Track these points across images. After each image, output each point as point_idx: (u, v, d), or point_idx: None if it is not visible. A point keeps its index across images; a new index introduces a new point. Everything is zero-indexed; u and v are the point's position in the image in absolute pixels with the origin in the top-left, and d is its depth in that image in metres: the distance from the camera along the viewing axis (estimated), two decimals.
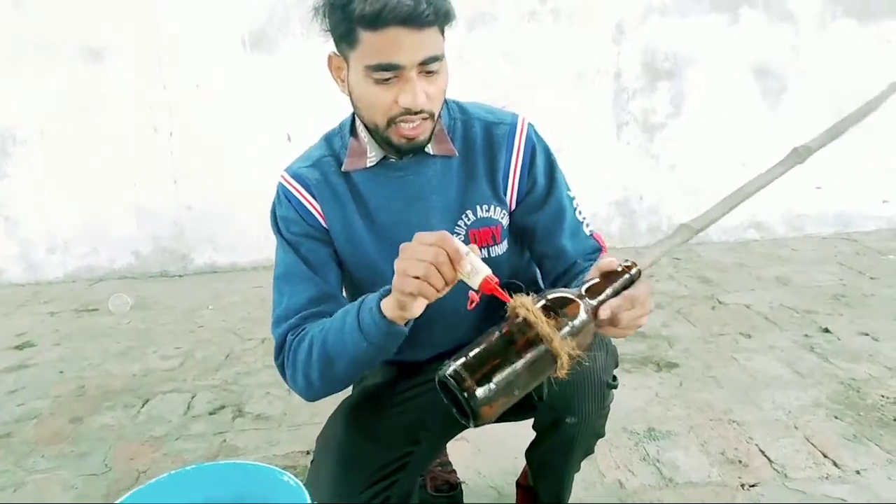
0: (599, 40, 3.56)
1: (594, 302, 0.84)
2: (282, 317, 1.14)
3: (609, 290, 0.86)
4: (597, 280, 0.87)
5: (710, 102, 3.64)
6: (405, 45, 0.96)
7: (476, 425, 0.81)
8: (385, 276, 1.11)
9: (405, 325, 0.97)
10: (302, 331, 1.10)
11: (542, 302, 0.83)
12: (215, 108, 3.51)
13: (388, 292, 0.95)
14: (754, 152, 3.67)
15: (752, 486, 1.60)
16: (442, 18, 0.98)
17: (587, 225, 1.20)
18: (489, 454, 1.77)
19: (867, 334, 2.40)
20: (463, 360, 0.80)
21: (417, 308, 0.92)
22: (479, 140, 1.15)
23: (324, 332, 1.05)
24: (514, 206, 1.17)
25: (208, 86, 3.50)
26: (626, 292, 0.85)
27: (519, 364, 0.80)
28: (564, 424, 1.09)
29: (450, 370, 0.80)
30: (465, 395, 0.78)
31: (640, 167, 3.71)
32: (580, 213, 1.20)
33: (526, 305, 0.81)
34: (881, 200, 3.81)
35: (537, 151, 1.16)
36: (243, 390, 2.25)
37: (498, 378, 0.79)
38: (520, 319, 0.81)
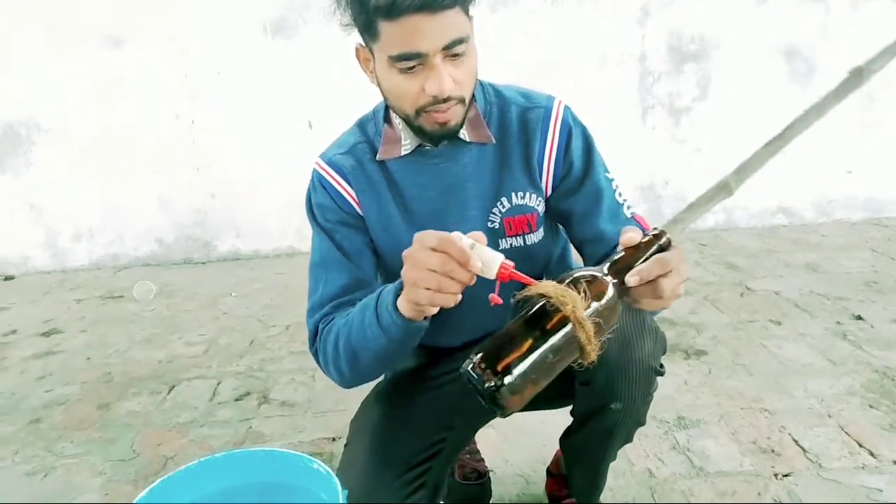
0: (624, 22, 3.50)
1: (619, 278, 0.80)
2: (316, 305, 1.13)
3: (638, 263, 0.81)
4: (621, 254, 0.83)
5: (738, 85, 3.57)
6: (425, 31, 0.93)
7: (504, 416, 0.78)
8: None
9: (423, 319, 0.95)
10: (332, 320, 1.09)
11: (566, 282, 0.79)
12: (237, 95, 3.51)
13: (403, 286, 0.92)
14: None
15: (786, 475, 1.56)
16: None
17: (628, 207, 1.15)
18: (517, 442, 1.75)
19: None
20: (483, 353, 0.77)
21: (433, 310, 0.90)
22: (515, 125, 1.13)
23: (348, 325, 1.04)
24: (549, 192, 1.15)
25: (230, 73, 3.49)
26: (656, 256, 0.81)
27: (543, 351, 0.76)
28: (609, 410, 1.06)
29: (470, 365, 0.77)
30: (488, 388, 0.75)
31: (666, 152, 3.65)
32: (620, 194, 1.15)
33: (548, 288, 0.78)
34: None
35: (574, 135, 1.13)
36: (268, 377, 2.26)
37: (521, 368, 0.75)
38: (542, 303, 0.78)
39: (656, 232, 0.84)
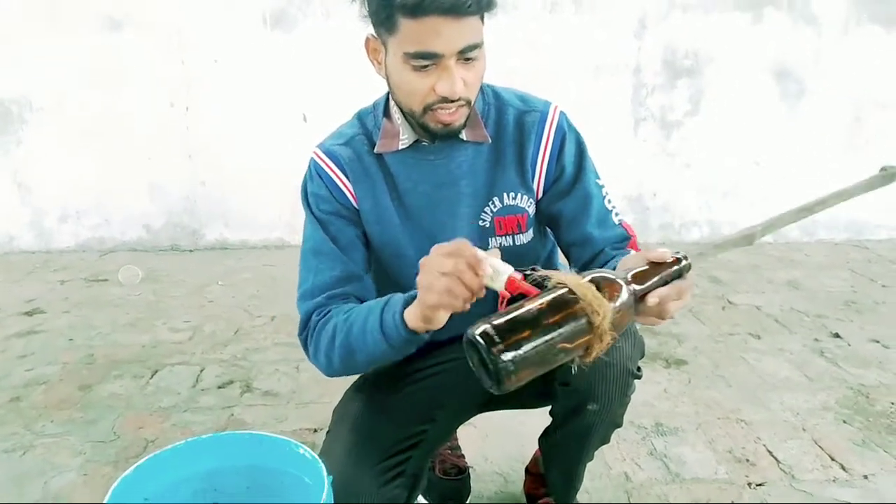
0: (621, 34, 3.54)
1: (639, 288, 0.83)
2: (308, 293, 1.14)
3: (656, 279, 0.84)
4: (645, 268, 0.86)
5: (729, 102, 3.62)
6: (445, 34, 0.95)
7: (499, 391, 0.78)
8: (411, 259, 1.16)
9: (426, 332, 0.97)
10: (327, 312, 1.11)
11: (589, 277, 0.82)
12: (233, 84, 3.51)
13: (414, 297, 0.94)
14: (770, 154, 3.67)
15: (759, 485, 1.60)
16: (484, 6, 0.98)
17: (616, 214, 1.18)
18: (497, 441, 1.77)
19: (878, 341, 2.39)
20: (495, 321, 0.77)
21: (442, 319, 0.91)
22: (511, 127, 1.15)
23: (348, 324, 1.05)
24: (541, 194, 1.17)
25: (227, 62, 3.49)
26: (675, 282, 0.85)
27: (553, 335, 0.76)
28: (585, 411, 1.09)
29: (479, 330, 0.76)
30: (493, 357, 0.74)
31: (656, 164, 3.69)
32: (609, 201, 1.18)
33: (581, 288, 0.79)
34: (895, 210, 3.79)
35: (567, 140, 1.16)
36: (252, 366, 2.26)
37: (529, 346, 0.75)
38: (563, 291, 0.79)
39: (680, 256, 0.87)
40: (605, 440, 1.23)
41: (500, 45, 3.51)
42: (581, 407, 1.09)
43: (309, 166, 1.20)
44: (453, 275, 0.84)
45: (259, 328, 2.60)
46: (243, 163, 3.60)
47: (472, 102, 1.06)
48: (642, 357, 1.13)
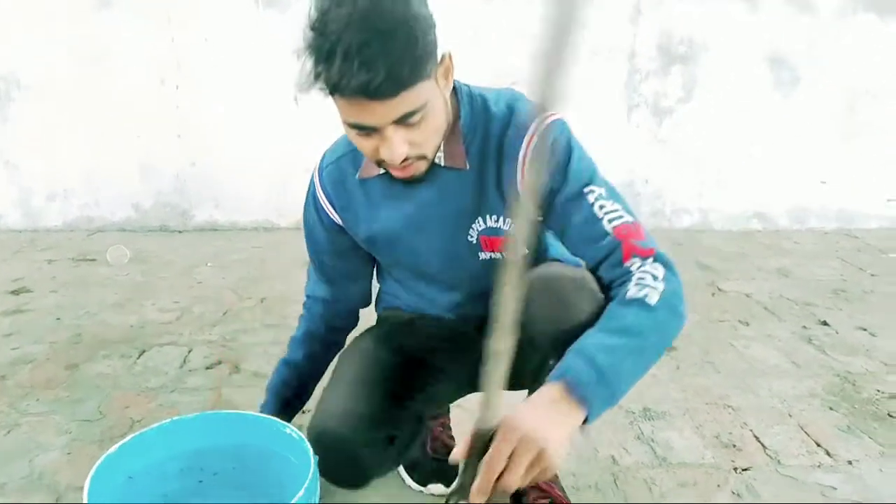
0: (616, 18, 3.52)
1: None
2: (307, 290, 1.40)
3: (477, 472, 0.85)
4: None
5: (722, 90, 3.62)
6: (373, 110, 0.92)
7: None
8: (403, 270, 1.28)
9: None
10: (302, 323, 1.40)
11: None
12: (224, 63, 3.47)
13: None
14: (763, 143, 3.67)
15: (745, 469, 1.60)
16: (406, 82, 0.89)
17: (611, 220, 1.04)
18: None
19: (865, 329, 2.41)
20: None
21: None
22: (493, 146, 1.10)
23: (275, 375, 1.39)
24: (536, 215, 1.15)
25: (218, 41, 3.45)
26: (481, 464, 0.84)
27: None
28: (547, 367, 1.07)
29: None
30: None
31: (648, 151, 3.69)
32: (602, 206, 1.06)
33: None
34: (885, 199, 3.81)
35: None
36: (241, 347, 2.25)
37: None
38: None
39: (474, 432, 0.86)
40: None
41: (496, 31, 3.49)
42: (544, 363, 1.07)
43: (309, 184, 1.28)
44: None
45: (248, 310, 2.58)
46: (234, 143, 3.57)
47: (431, 154, 1.04)
48: (601, 312, 1.02)
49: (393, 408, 1.16)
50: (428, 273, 1.24)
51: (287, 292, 2.72)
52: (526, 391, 1.28)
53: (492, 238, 1.16)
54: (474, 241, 1.16)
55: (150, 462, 1.00)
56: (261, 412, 1.30)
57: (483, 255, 1.17)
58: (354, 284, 1.36)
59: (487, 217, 1.14)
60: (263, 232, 3.67)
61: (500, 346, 0.85)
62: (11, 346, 2.27)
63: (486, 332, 1.27)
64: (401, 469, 1.54)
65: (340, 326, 1.41)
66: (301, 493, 0.86)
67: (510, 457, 0.82)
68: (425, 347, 1.30)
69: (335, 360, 1.35)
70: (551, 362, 1.08)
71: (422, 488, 1.50)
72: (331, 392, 1.19)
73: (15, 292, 2.78)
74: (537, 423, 0.84)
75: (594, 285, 1.03)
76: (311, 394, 1.41)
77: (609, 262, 1.03)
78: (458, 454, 0.89)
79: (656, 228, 3.67)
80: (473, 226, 1.15)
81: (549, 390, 0.89)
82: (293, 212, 3.58)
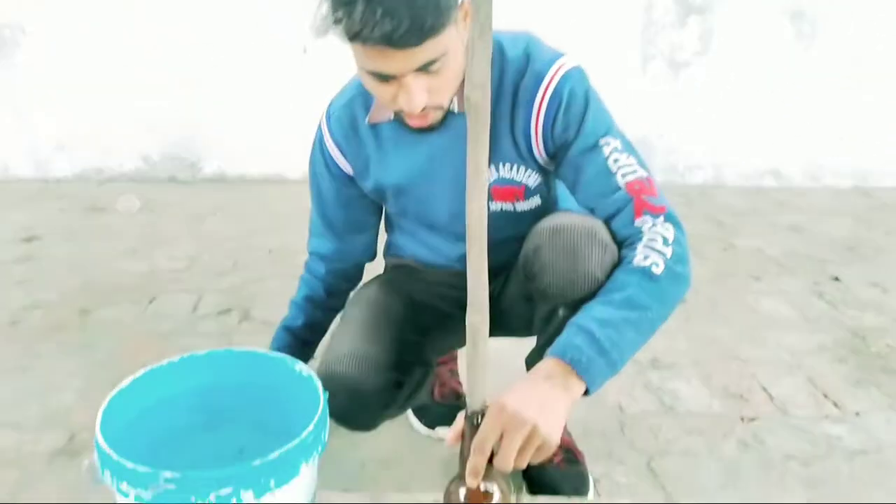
0: None
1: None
2: (310, 247, 1.37)
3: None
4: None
5: (740, 42, 3.53)
6: (394, 58, 0.90)
7: None
8: (410, 220, 1.26)
9: None
10: (304, 278, 1.38)
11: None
12: (232, 11, 3.41)
13: None
14: (780, 97, 3.59)
15: (752, 419, 1.61)
16: (430, 31, 0.87)
17: (624, 175, 1.03)
18: (492, 370, 1.77)
19: (877, 285, 2.39)
20: None
21: None
22: (508, 93, 1.07)
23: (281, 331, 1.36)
24: (547, 161, 1.12)
25: None
26: (473, 443, 0.85)
27: None
28: (557, 318, 1.06)
29: None
30: None
31: (663, 104, 3.62)
32: (616, 160, 1.04)
33: None
34: None
35: (563, 105, 1.04)
36: (250, 295, 2.26)
37: None
38: None
39: (466, 414, 0.87)
40: None
41: None
42: (554, 313, 1.07)
43: (317, 130, 1.23)
44: None
45: (258, 260, 2.59)
46: (243, 95, 3.53)
47: (448, 104, 1.03)
48: (614, 266, 1.02)
49: (400, 352, 1.16)
50: (437, 223, 1.23)
51: (296, 243, 2.68)
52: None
53: (504, 188, 1.14)
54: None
55: (161, 397, 1.01)
56: None
57: (493, 206, 1.16)
58: (360, 236, 1.33)
59: (501, 166, 1.12)
60: (272, 184, 3.65)
61: (476, 319, 0.84)
62: (24, 292, 2.29)
63: (494, 283, 1.28)
64: (409, 413, 1.55)
65: (342, 289, 1.37)
66: (310, 427, 0.87)
67: (502, 437, 0.83)
68: (433, 294, 1.29)
69: (344, 311, 1.34)
70: (561, 312, 1.08)
71: (430, 432, 1.52)
72: (339, 337, 1.19)
73: (27, 240, 2.79)
74: (527, 401, 0.84)
75: (606, 235, 1.02)
76: (312, 356, 1.38)
77: (620, 219, 1.02)
78: (450, 439, 0.90)
79: (669, 184, 3.62)
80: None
81: (546, 366, 0.89)
82: (302, 164, 3.54)
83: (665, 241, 0.97)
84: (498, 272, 1.24)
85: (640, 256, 0.95)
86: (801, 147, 3.69)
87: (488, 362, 0.87)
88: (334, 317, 1.37)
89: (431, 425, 1.52)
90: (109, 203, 3.26)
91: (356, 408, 1.11)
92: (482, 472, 0.84)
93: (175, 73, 3.49)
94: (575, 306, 1.04)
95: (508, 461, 0.83)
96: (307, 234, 1.38)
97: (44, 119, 3.59)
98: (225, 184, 3.66)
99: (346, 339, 1.16)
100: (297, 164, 3.64)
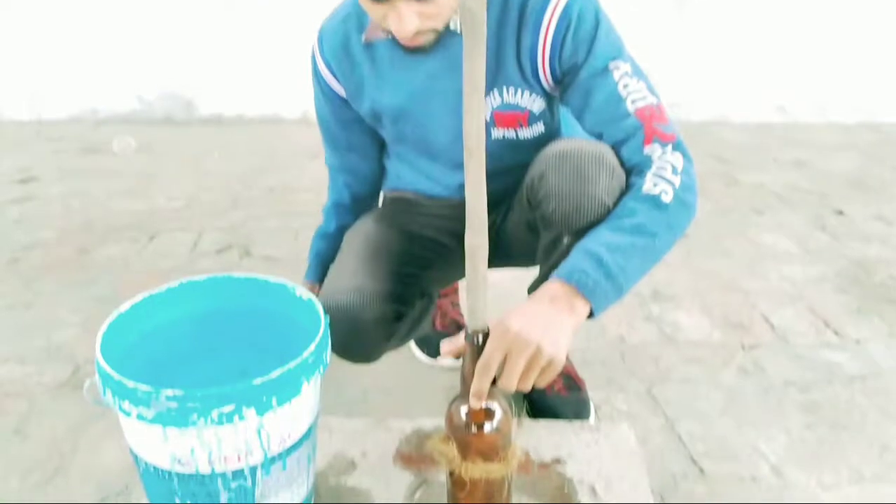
0: None
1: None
2: (327, 163, 1.35)
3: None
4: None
5: None
6: None
7: None
8: (406, 144, 1.23)
9: None
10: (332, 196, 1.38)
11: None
12: None
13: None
14: (788, 31, 3.50)
15: (752, 347, 1.62)
16: None
17: (634, 101, 1.00)
18: (493, 301, 1.77)
19: (881, 219, 2.38)
20: None
21: None
22: (514, 14, 1.03)
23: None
24: (552, 87, 1.08)
25: None
26: (478, 364, 0.84)
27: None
28: (562, 246, 1.05)
29: None
30: None
31: (668, 38, 3.54)
32: (626, 86, 1.01)
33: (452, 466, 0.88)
34: None
35: (572, 26, 1.00)
36: (250, 233, 2.25)
37: None
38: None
39: (466, 333, 0.86)
40: None
41: None
42: (558, 240, 1.05)
43: (312, 48, 1.21)
44: None
45: (257, 198, 2.57)
46: (239, 34, 3.45)
47: (442, 27, 0.99)
48: (622, 192, 1.01)
49: (400, 283, 1.15)
50: (434, 150, 1.20)
51: (295, 182, 2.69)
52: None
53: (507, 114, 1.11)
54: (488, 119, 1.11)
55: (161, 323, 1.00)
56: (305, 280, 1.37)
57: (496, 133, 1.13)
58: (364, 161, 1.32)
59: (504, 90, 1.09)
60: (270, 124, 3.60)
61: (476, 241, 0.82)
62: (22, 231, 2.28)
63: (496, 212, 1.26)
64: (412, 343, 1.56)
65: (366, 193, 1.37)
66: (312, 347, 0.86)
67: (505, 359, 0.82)
68: (432, 227, 1.28)
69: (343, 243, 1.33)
70: (566, 240, 1.06)
71: (432, 362, 1.53)
72: (337, 269, 1.18)
73: (23, 181, 2.77)
74: (532, 322, 0.83)
75: (614, 160, 1.00)
76: None
77: (629, 146, 1.00)
78: (448, 351, 0.90)
79: (673, 119, 3.56)
80: (488, 99, 1.09)
81: (552, 288, 0.88)
82: (299, 104, 3.50)
83: (674, 169, 0.95)
84: (500, 201, 1.22)
85: (650, 184, 0.94)
86: (808, 82, 3.62)
87: (488, 283, 0.86)
88: None
89: (434, 355, 1.53)
90: (105, 144, 3.22)
91: (356, 339, 1.11)
92: (486, 393, 0.84)
93: (170, 12, 3.41)
94: (579, 234, 1.03)
95: (512, 381, 0.83)
96: (308, 172, 1.40)
97: (38, 59, 3.51)
98: (222, 125, 3.61)
99: (344, 272, 1.15)
100: (295, 105, 3.59)
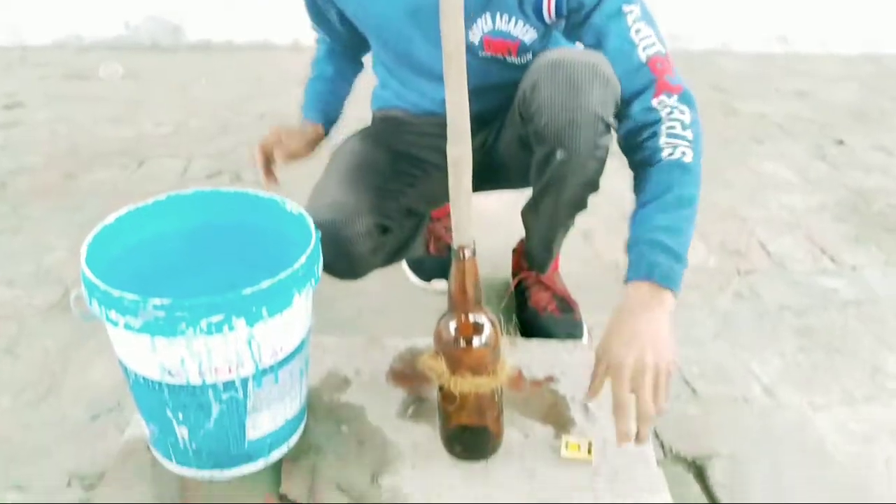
0: None
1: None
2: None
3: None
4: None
5: None
6: None
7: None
8: (391, 55, 1.19)
9: None
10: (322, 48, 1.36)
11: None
12: None
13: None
14: None
15: (748, 273, 1.61)
16: None
17: (645, 48, 0.98)
18: (488, 229, 1.75)
19: (882, 149, 2.34)
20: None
21: None
22: None
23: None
24: (554, 20, 1.04)
25: None
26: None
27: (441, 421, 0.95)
28: (555, 161, 1.03)
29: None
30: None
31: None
32: (638, 31, 0.99)
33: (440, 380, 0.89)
34: None
35: None
36: (241, 159, 2.20)
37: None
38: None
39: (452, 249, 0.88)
40: (581, 204, 1.17)
41: None
42: (551, 156, 1.03)
43: None
44: None
45: (247, 125, 2.51)
46: None
47: None
48: (617, 106, 1.00)
49: (384, 198, 1.13)
50: (419, 63, 1.16)
51: (286, 109, 2.58)
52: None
53: (496, 41, 1.07)
54: (476, 43, 1.07)
55: (147, 237, 0.98)
56: (305, 118, 1.32)
57: (483, 54, 1.09)
58: (351, 45, 1.33)
59: (497, 16, 1.04)
60: (259, 51, 3.50)
61: (457, 152, 0.80)
62: (8, 156, 2.23)
63: (486, 131, 1.22)
64: (405, 267, 1.54)
65: (357, 44, 1.32)
66: (302, 259, 0.84)
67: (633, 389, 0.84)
68: (420, 146, 1.24)
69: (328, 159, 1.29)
70: (559, 156, 1.04)
71: (426, 284, 1.52)
72: (321, 187, 1.15)
73: (8, 107, 2.70)
74: (638, 344, 0.85)
75: (608, 69, 0.98)
76: (342, 110, 1.37)
77: (641, 100, 0.99)
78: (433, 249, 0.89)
79: (674, 50, 3.46)
80: (479, 22, 1.05)
81: (638, 292, 0.90)
82: (290, 31, 3.39)
83: (683, 125, 0.98)
84: (490, 120, 1.19)
85: (668, 149, 0.97)
86: (810, 13, 3.52)
87: (471, 195, 0.84)
88: (359, 71, 1.39)
89: (427, 278, 1.52)
90: (91, 70, 3.12)
91: (341, 254, 1.08)
92: (633, 436, 0.85)
93: None
94: (572, 148, 1.01)
95: (651, 409, 0.84)
96: (298, 99, 1.36)
97: None
98: (210, 51, 3.50)
99: (327, 189, 1.13)
100: (286, 31, 3.48)
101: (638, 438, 0.85)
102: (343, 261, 1.09)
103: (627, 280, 0.92)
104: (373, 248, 1.11)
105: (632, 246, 0.95)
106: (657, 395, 0.84)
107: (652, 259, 0.91)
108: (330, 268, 1.06)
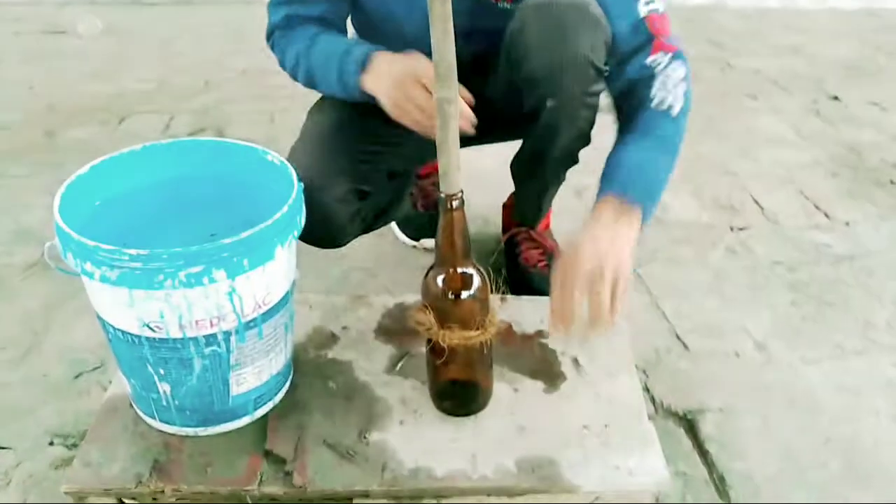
0: None
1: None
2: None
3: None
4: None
5: None
6: None
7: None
8: (372, 14, 1.12)
9: None
10: (290, 32, 1.12)
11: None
12: None
13: (366, 58, 1.00)
14: None
15: (742, 229, 1.59)
16: None
17: (647, 3, 0.99)
18: (478, 184, 1.72)
19: (877, 104, 2.31)
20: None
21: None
22: None
23: (309, 55, 1.08)
24: None
25: None
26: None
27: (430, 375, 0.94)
28: (545, 110, 1.01)
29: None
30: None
31: None
32: None
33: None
34: None
35: None
36: (224, 116, 2.15)
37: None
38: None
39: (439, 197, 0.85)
40: (573, 157, 1.15)
41: None
42: (542, 104, 1.01)
43: None
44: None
45: (230, 80, 2.45)
46: None
47: None
48: (608, 51, 0.99)
49: (361, 162, 1.09)
50: (403, 21, 1.10)
51: (269, 65, 2.52)
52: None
53: None
54: None
55: (124, 189, 0.94)
56: (367, 54, 1.06)
57: None
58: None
59: None
60: (241, 5, 3.39)
61: (444, 94, 0.76)
62: None
63: (475, 80, 1.17)
64: (393, 225, 1.51)
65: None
66: (284, 209, 0.81)
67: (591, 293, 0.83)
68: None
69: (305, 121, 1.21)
70: (549, 104, 1.01)
71: (414, 243, 1.49)
72: (296, 150, 1.10)
73: None
74: (602, 254, 0.84)
75: (597, 10, 0.96)
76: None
77: (638, 59, 0.99)
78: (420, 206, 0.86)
79: (671, 4, 3.41)
80: None
81: (608, 208, 0.90)
82: None
83: (675, 81, 0.99)
84: (478, 66, 1.14)
85: (657, 100, 0.97)
86: None
87: (458, 141, 0.81)
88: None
89: (416, 237, 1.49)
90: (69, 25, 3.03)
91: (317, 220, 1.02)
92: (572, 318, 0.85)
93: None
94: (563, 97, 0.98)
95: (606, 316, 0.84)
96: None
97: None
98: (191, 6, 3.40)
99: (303, 151, 1.08)
100: None
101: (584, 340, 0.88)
102: (320, 228, 1.03)
103: (599, 195, 0.92)
104: (351, 214, 1.08)
105: (607, 168, 0.94)
106: (613, 302, 0.84)
107: (627, 178, 0.91)
108: (308, 236, 1.01)
